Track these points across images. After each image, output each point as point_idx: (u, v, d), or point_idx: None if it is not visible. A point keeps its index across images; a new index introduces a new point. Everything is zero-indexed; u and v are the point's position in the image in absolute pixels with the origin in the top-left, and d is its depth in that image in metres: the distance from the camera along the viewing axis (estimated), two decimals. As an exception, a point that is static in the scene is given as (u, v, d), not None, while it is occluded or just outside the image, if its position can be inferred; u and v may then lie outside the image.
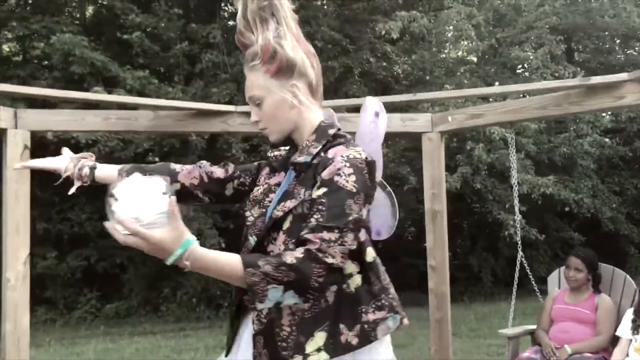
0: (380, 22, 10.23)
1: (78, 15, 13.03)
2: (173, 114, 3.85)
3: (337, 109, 3.70)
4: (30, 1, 12.69)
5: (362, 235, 1.58)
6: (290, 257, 1.43)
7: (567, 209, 10.95)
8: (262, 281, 1.41)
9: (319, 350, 1.53)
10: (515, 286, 3.96)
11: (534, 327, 3.88)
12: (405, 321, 1.66)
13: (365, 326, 1.56)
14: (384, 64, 11.52)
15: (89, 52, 10.04)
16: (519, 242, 4.07)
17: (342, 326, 1.55)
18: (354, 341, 1.55)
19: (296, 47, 1.66)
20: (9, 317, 3.50)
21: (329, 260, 1.44)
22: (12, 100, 7.43)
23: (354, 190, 1.50)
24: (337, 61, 11.22)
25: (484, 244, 12.96)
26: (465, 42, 11.31)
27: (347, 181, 1.50)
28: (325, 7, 12.81)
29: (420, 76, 11.55)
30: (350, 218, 1.48)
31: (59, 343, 8.54)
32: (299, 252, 1.44)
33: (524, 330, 3.85)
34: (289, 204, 1.59)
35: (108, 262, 11.68)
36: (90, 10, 13.64)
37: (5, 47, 12.17)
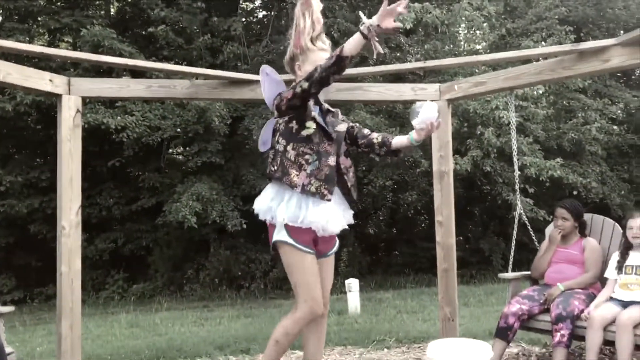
0: (394, 13, 10.62)
1: (103, 13, 13.59)
2: (208, 82, 4.32)
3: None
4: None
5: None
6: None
7: (575, 192, 11.27)
8: None
9: None
10: (514, 233, 4.35)
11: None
12: None
13: None
14: (398, 54, 11.93)
15: (118, 44, 10.56)
16: (518, 197, 4.47)
17: None
18: None
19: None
20: (64, 260, 3.99)
21: None
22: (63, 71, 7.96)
23: None
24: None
25: (495, 229, 13.32)
26: (478, 32, 11.67)
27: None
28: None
29: (433, 66, 11.89)
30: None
31: (90, 318, 9.04)
32: None
33: (521, 275, 4.27)
34: None
35: (134, 244, 12.25)
36: (115, 5, 14.20)
37: (37, 41, 12.74)
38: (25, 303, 11.69)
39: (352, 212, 3.04)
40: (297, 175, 2.79)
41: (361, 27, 2.55)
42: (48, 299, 11.41)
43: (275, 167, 2.83)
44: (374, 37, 2.56)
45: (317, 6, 2.92)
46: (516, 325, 3.82)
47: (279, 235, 2.83)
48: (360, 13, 2.72)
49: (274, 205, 2.84)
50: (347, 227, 3.01)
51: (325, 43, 2.93)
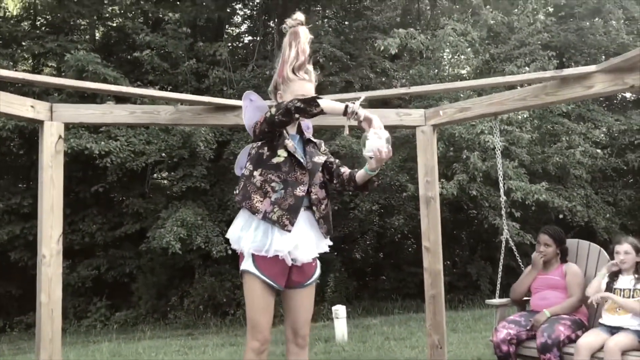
0: (379, 39, 10.74)
1: (88, 37, 13.58)
2: (192, 108, 4.29)
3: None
4: (44, 22, 13.25)
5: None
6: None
7: (561, 216, 11.31)
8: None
9: None
10: (501, 259, 4.33)
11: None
12: None
13: None
14: (383, 79, 12.02)
15: (102, 68, 10.52)
16: (505, 222, 4.46)
17: None
18: None
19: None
20: (43, 290, 3.88)
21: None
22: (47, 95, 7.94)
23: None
24: (338, 76, 11.73)
25: (482, 253, 13.32)
26: (462, 57, 11.78)
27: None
28: (327, 25, 13.38)
29: (418, 92, 12.00)
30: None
31: (71, 347, 8.84)
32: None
33: (508, 301, 4.24)
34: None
35: (117, 271, 12.07)
36: (100, 30, 14.20)
37: (21, 66, 12.68)
38: (4, 332, 11.43)
39: (327, 240, 2.98)
40: (261, 201, 2.77)
41: (349, 106, 2.67)
42: (28, 327, 11.17)
43: (237, 191, 2.85)
44: (349, 121, 2.71)
45: (305, 37, 2.96)
46: (511, 349, 3.81)
47: (245, 264, 2.81)
48: (359, 98, 2.81)
49: (243, 234, 2.83)
50: (317, 255, 2.96)
51: (308, 74, 2.95)
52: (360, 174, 2.99)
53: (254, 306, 2.79)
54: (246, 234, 2.81)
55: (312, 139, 3.10)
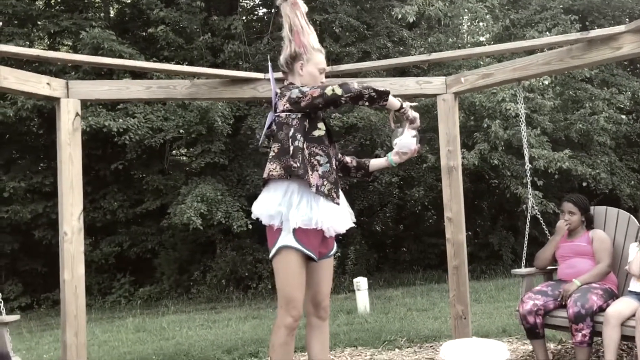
0: (396, 7, 10.52)
1: (103, 15, 13.51)
2: (208, 82, 4.22)
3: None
4: (59, 0, 13.20)
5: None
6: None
7: (584, 184, 11.13)
8: None
9: None
10: (527, 228, 4.24)
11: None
12: None
13: None
14: (401, 48, 11.81)
15: (117, 45, 10.47)
16: (530, 191, 4.36)
17: None
18: None
19: None
20: (66, 267, 3.90)
21: None
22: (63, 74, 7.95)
23: None
24: (355, 47, 11.54)
25: (504, 223, 13.20)
26: (481, 24, 11.53)
27: None
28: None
29: (438, 59, 11.78)
30: None
31: (96, 322, 8.98)
32: None
33: (535, 270, 4.16)
34: None
35: (140, 247, 12.19)
36: (114, 7, 14.12)
37: (37, 45, 12.68)
38: (32, 309, 11.65)
39: (352, 213, 3.03)
40: (311, 175, 2.73)
41: (404, 106, 2.89)
42: (55, 304, 11.36)
43: (298, 164, 2.70)
44: (402, 117, 2.92)
45: (304, 7, 2.96)
46: (538, 320, 3.74)
47: (285, 239, 2.73)
48: (413, 101, 3.07)
49: (284, 210, 2.74)
50: (352, 225, 2.98)
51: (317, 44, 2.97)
52: (378, 163, 3.16)
53: (291, 282, 2.74)
54: (288, 210, 2.73)
55: None
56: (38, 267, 12.15)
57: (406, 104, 2.88)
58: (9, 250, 11.79)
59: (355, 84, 2.72)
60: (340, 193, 2.90)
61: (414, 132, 2.96)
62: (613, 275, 3.87)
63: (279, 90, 2.88)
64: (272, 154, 2.79)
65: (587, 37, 3.64)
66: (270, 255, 2.81)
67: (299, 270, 2.74)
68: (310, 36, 2.91)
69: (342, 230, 2.88)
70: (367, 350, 4.87)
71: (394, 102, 2.83)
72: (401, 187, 12.55)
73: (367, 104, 2.77)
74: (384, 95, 2.74)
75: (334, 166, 2.85)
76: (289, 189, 2.75)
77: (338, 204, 2.80)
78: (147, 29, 11.93)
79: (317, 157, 2.77)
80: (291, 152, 2.71)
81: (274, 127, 2.83)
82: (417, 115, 2.93)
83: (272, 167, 2.76)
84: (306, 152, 2.74)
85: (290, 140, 2.73)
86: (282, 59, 2.95)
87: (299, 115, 2.76)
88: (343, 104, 2.75)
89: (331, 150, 2.87)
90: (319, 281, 2.94)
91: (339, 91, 2.67)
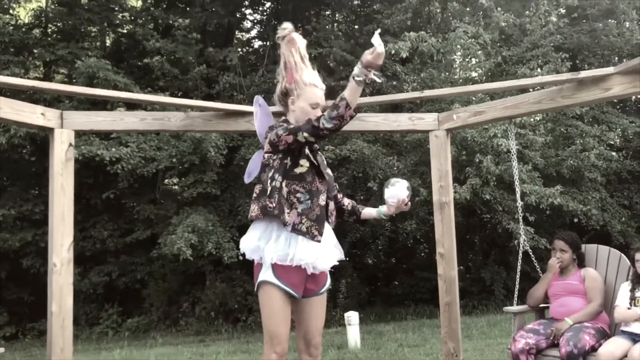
0: (389, 42, 10.66)
1: (99, 44, 13.62)
2: (203, 114, 4.24)
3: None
4: (55, 29, 13.31)
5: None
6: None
7: (576, 220, 11.16)
8: None
9: None
10: (519, 265, 4.23)
11: (536, 306, 4.19)
12: None
13: None
14: (394, 83, 11.93)
15: (113, 75, 10.53)
16: (521, 226, 4.37)
17: None
18: None
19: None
20: (54, 299, 3.85)
21: None
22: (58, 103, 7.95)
23: None
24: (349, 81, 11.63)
25: (496, 258, 13.18)
26: (474, 60, 11.68)
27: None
28: (337, 29, 13.33)
29: (430, 96, 11.91)
30: None
31: (83, 354, 8.83)
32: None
33: (526, 307, 4.14)
34: None
35: (129, 277, 12.06)
36: (110, 37, 14.24)
37: (32, 73, 12.74)
38: (17, 339, 11.44)
39: (341, 251, 2.99)
40: (288, 213, 2.74)
41: (356, 78, 2.65)
42: (41, 334, 11.16)
43: (274, 204, 2.75)
44: (370, 76, 2.68)
45: (301, 43, 2.97)
46: (530, 359, 3.70)
47: (265, 275, 2.76)
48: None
49: (262, 244, 2.78)
50: (337, 263, 2.95)
51: (314, 79, 2.94)
52: (368, 213, 3.11)
53: (274, 317, 2.74)
54: (266, 244, 2.78)
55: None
56: (25, 296, 11.97)
57: (358, 74, 2.65)
58: (-4, 278, 11.65)
59: (325, 115, 2.66)
60: (327, 229, 2.87)
61: (407, 184, 2.94)
62: (605, 314, 3.86)
63: (264, 130, 2.93)
64: (254, 195, 2.86)
65: (578, 78, 3.69)
66: (255, 290, 2.85)
67: (281, 305, 2.74)
68: (304, 71, 2.92)
69: (326, 267, 2.87)
70: (358, 387, 4.80)
71: (352, 93, 2.64)
72: (393, 220, 12.53)
73: (349, 114, 2.65)
74: (344, 105, 2.62)
75: (321, 202, 2.82)
76: (269, 226, 2.80)
77: (319, 241, 2.78)
78: (143, 59, 12.01)
79: (297, 195, 2.77)
80: (268, 192, 2.78)
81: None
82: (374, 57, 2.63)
83: (252, 208, 2.83)
84: (284, 190, 2.76)
85: (269, 181, 2.79)
86: (275, 94, 3.01)
87: (280, 155, 2.80)
88: (329, 135, 2.74)
89: (318, 186, 2.83)
90: (310, 318, 2.92)
91: (307, 136, 2.68)
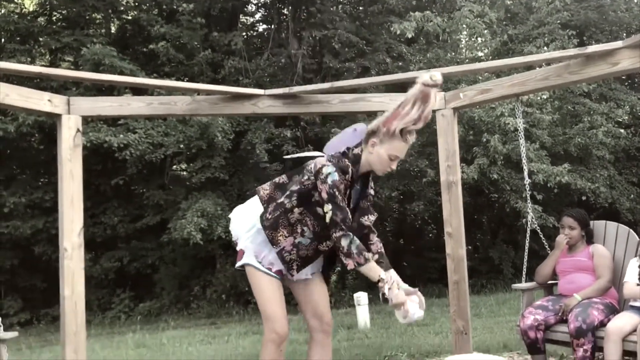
0: (395, 23, 10.60)
1: (104, 31, 13.60)
2: (209, 98, 4.25)
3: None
4: (60, 17, 13.30)
5: None
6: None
7: (584, 198, 11.14)
8: None
9: None
10: (527, 243, 4.24)
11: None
12: None
13: None
14: (400, 63, 11.88)
15: (118, 61, 10.54)
16: (529, 205, 4.37)
17: None
18: None
19: None
20: (66, 284, 3.89)
21: None
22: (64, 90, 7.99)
23: None
24: (354, 62, 11.61)
25: (504, 237, 13.19)
26: (480, 39, 11.60)
27: None
28: (341, 10, 13.24)
29: (436, 75, 11.84)
30: None
31: (96, 338, 8.94)
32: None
33: (535, 284, 4.16)
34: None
35: (140, 262, 12.16)
36: (115, 23, 14.21)
37: (38, 62, 12.75)
38: (31, 325, 11.59)
39: (321, 263, 2.98)
40: (285, 237, 2.75)
41: (386, 289, 2.63)
42: (54, 320, 11.31)
43: (270, 217, 2.77)
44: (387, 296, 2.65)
45: (431, 105, 2.70)
46: (539, 335, 3.73)
47: (247, 257, 2.82)
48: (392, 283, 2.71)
49: (247, 235, 2.86)
50: (310, 276, 2.95)
51: (409, 140, 2.75)
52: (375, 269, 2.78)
53: (264, 298, 2.78)
54: (247, 232, 2.85)
55: (372, 190, 3.05)
56: (37, 282, 12.12)
57: (386, 289, 2.63)
58: (8, 265, 11.77)
59: (356, 256, 2.59)
60: (307, 270, 2.87)
61: (421, 313, 2.71)
62: (614, 290, 3.86)
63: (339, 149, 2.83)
64: (277, 180, 2.88)
65: (585, 53, 3.66)
66: (239, 267, 2.92)
67: (270, 287, 2.79)
68: (408, 127, 2.70)
69: (302, 277, 2.90)
70: (368, 366, 4.86)
71: (373, 274, 2.63)
72: (401, 202, 12.55)
73: (350, 264, 2.60)
74: (364, 270, 2.62)
75: (321, 247, 2.79)
76: (256, 224, 2.84)
77: (292, 275, 2.81)
78: (148, 45, 11.99)
79: (304, 228, 2.75)
80: (269, 203, 2.81)
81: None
82: (403, 299, 2.63)
83: (265, 189, 2.86)
84: (295, 217, 2.74)
85: (285, 199, 2.77)
86: (367, 128, 2.81)
87: (315, 183, 2.71)
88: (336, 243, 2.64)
89: (328, 233, 2.68)
90: (313, 296, 2.95)
91: (336, 227, 2.59)
